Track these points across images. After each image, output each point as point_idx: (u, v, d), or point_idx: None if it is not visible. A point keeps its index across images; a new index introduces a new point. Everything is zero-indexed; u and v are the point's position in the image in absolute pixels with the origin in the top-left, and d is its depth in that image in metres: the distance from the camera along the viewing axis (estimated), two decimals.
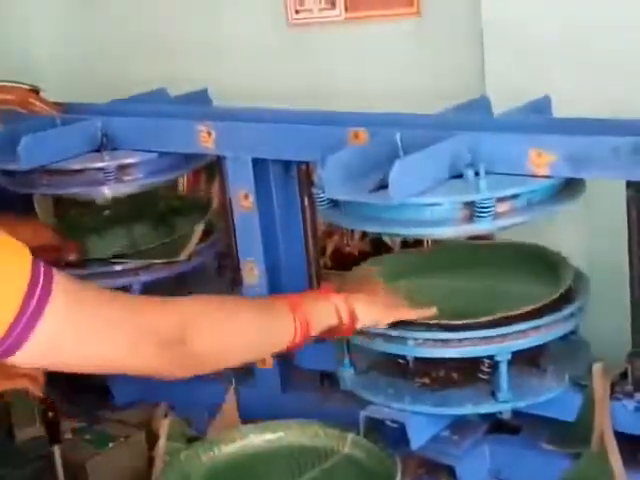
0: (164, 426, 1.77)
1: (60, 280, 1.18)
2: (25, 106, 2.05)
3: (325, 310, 1.49)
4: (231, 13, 2.39)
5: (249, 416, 1.85)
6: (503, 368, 1.53)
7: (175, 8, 2.50)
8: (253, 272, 1.84)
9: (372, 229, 1.59)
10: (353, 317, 1.51)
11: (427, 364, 1.64)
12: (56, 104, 2.08)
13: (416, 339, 1.54)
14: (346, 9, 2.21)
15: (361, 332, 1.58)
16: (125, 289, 1.94)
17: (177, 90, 2.15)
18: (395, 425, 1.56)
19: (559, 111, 1.71)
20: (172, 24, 2.51)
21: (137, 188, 1.96)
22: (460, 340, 1.52)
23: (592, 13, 1.82)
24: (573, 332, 1.63)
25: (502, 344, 1.52)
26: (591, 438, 1.52)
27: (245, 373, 1.95)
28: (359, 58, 2.21)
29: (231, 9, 2.39)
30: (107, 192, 1.90)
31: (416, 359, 1.64)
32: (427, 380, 1.63)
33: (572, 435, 1.57)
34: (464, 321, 1.52)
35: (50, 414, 1.74)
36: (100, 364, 1.27)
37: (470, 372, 1.62)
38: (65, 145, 1.89)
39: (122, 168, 1.88)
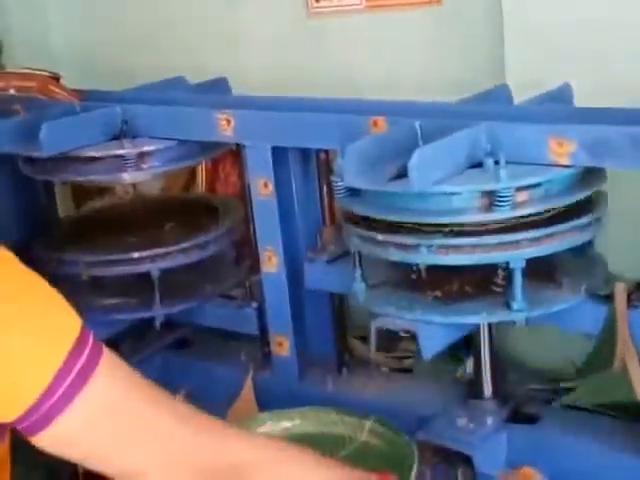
0: None
1: (108, 363, 1.05)
2: (45, 93, 2.05)
3: None
4: (251, 2, 2.39)
5: (266, 404, 1.86)
6: (517, 276, 1.49)
7: None
8: (272, 260, 1.84)
9: (390, 218, 1.58)
10: None
11: (440, 277, 1.61)
12: (76, 91, 2.08)
13: (429, 246, 1.48)
14: None
15: (376, 241, 1.54)
16: (144, 276, 1.94)
17: (196, 79, 2.14)
18: (406, 335, 1.54)
19: (579, 100, 1.70)
20: (191, 13, 2.50)
21: (156, 175, 1.96)
22: (473, 246, 1.47)
23: (612, 2, 1.81)
24: (590, 243, 1.61)
25: (516, 251, 1.47)
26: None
27: (263, 361, 1.96)
28: (379, 47, 2.20)
29: None
30: (127, 179, 1.91)
31: (428, 272, 1.61)
32: (439, 293, 1.60)
33: None
34: (478, 227, 1.48)
35: None
36: (119, 472, 1.11)
37: (484, 285, 1.59)
38: (85, 132, 1.89)
39: (142, 155, 1.88)
